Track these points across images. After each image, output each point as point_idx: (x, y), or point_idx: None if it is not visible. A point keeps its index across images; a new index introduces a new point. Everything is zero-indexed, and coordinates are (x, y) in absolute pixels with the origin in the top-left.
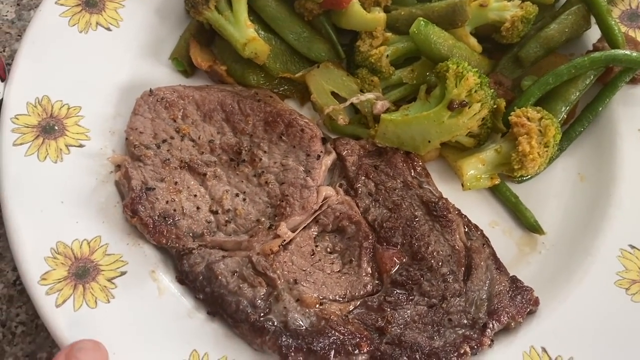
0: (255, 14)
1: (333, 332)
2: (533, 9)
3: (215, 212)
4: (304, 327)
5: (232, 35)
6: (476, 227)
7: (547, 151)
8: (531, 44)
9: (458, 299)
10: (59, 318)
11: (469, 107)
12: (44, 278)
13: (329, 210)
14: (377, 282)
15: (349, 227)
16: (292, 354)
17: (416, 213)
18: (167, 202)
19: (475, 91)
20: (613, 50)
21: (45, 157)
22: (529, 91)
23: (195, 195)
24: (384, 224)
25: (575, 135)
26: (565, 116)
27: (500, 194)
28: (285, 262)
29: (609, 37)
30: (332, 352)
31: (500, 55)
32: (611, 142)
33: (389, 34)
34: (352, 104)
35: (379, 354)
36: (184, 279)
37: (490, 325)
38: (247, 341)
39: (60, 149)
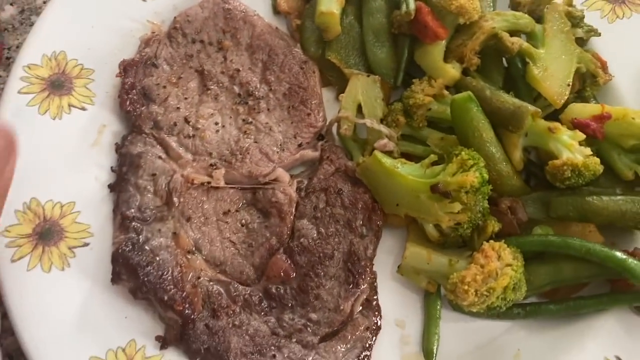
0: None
1: (169, 278)
2: (594, 167)
3: (187, 122)
4: (156, 257)
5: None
6: (378, 311)
7: (486, 297)
8: (568, 199)
9: (300, 348)
10: (10, 273)
11: (449, 202)
12: (7, 230)
13: (270, 192)
14: (254, 278)
15: (274, 218)
16: (121, 267)
17: (335, 254)
18: (157, 84)
19: (466, 192)
20: (634, 261)
21: (46, 111)
22: (530, 239)
23: (185, 98)
24: (302, 240)
25: (543, 312)
26: (547, 288)
27: (427, 304)
28: (195, 198)
29: None
30: (150, 291)
31: (541, 187)
32: (571, 348)
33: (446, 92)
34: (366, 125)
35: (189, 327)
36: (116, 149)
37: None
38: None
39: (62, 107)
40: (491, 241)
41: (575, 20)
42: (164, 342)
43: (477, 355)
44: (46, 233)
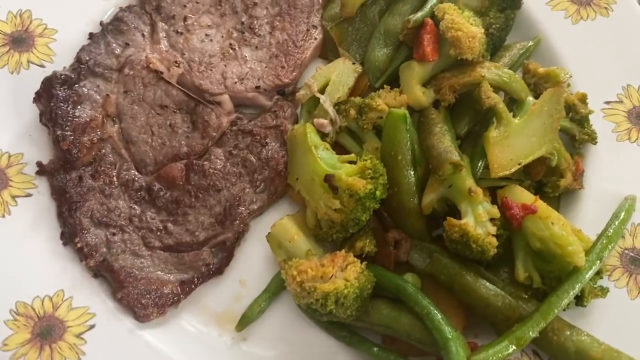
0: None
1: (74, 121)
2: (484, 246)
3: (184, 20)
4: (77, 102)
5: None
6: (228, 258)
7: (307, 293)
8: (448, 262)
9: (139, 242)
10: None
11: (333, 197)
12: (5, 344)
13: (208, 111)
14: (148, 171)
15: (198, 133)
16: (45, 90)
17: (223, 191)
18: None
19: (350, 196)
20: (457, 347)
21: (4, 65)
22: (388, 276)
23: (197, 2)
24: (206, 164)
25: (365, 349)
26: (383, 330)
27: (273, 278)
28: (144, 79)
29: None
30: (51, 120)
31: (440, 243)
32: None
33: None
34: (320, 102)
35: (65, 169)
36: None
37: None
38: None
39: (21, 63)
40: (350, 254)
41: (576, 116)
42: (40, 169)
43: (287, 349)
44: (46, 331)
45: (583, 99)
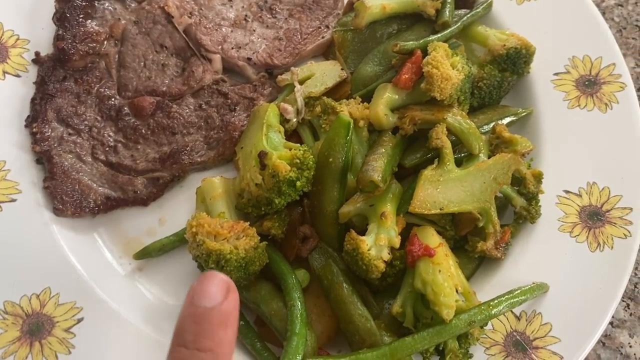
0: None
1: (78, 30)
2: (371, 265)
3: None
4: (90, 17)
5: None
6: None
7: (197, 245)
8: (330, 269)
9: (84, 148)
10: None
11: (259, 172)
12: None
13: (198, 63)
14: (127, 95)
15: (183, 80)
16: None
17: (178, 137)
18: None
19: (272, 176)
20: None
21: None
22: (278, 260)
23: None
24: (174, 107)
25: None
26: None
27: None
28: (155, 17)
29: None
30: (62, 21)
31: None
32: None
33: (362, 124)
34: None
35: (55, 67)
36: None
37: None
38: None
39: None
40: (247, 225)
41: (524, 190)
42: (37, 58)
43: (170, 292)
44: (35, 328)
45: (538, 177)
